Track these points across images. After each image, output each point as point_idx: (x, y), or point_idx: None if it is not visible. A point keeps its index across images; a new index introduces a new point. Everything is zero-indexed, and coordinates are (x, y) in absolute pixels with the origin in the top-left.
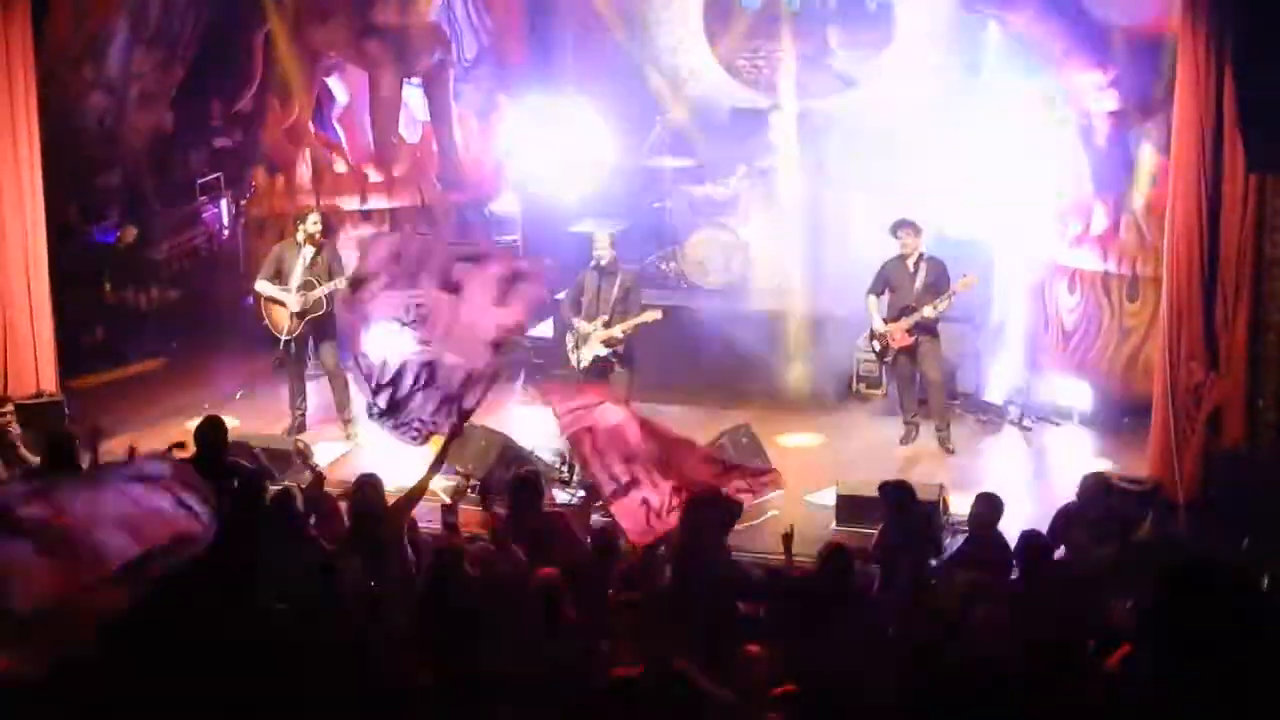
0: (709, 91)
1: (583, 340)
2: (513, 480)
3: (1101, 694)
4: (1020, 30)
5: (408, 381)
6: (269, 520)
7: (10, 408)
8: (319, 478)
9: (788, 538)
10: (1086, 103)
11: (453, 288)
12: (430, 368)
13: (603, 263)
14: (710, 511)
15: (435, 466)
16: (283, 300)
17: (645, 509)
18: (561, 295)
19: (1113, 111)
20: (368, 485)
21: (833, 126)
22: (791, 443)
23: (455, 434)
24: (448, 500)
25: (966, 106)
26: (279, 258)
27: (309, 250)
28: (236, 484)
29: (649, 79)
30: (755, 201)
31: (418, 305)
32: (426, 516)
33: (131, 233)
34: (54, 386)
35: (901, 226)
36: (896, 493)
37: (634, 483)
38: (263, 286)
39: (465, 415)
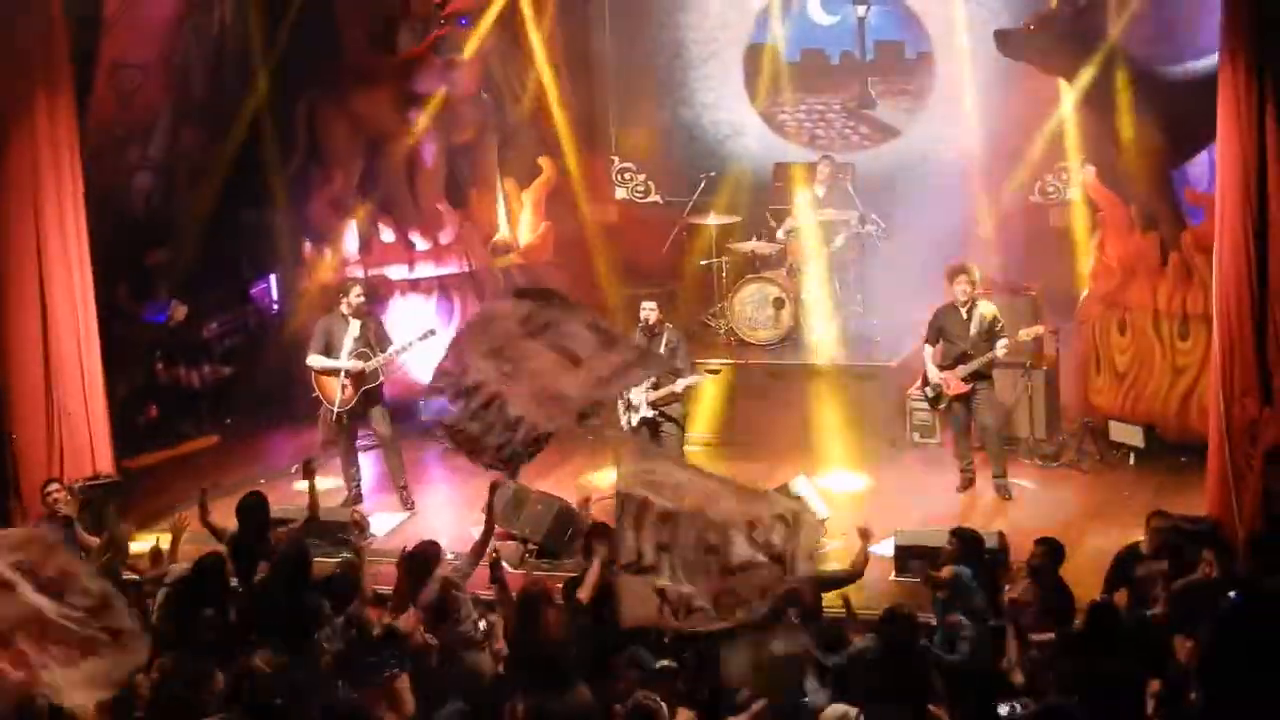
0: (751, 147)
1: (629, 403)
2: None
3: None
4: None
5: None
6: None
7: (57, 487)
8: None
9: (846, 600)
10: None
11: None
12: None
13: (650, 323)
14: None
15: (486, 534)
16: (337, 372)
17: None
18: None
19: (1156, 150)
20: (427, 551)
21: (877, 176)
22: (843, 486)
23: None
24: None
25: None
26: (327, 330)
27: (355, 322)
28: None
29: (690, 136)
30: (801, 255)
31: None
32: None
33: (181, 310)
34: (110, 466)
35: (957, 271)
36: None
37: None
38: (315, 360)
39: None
